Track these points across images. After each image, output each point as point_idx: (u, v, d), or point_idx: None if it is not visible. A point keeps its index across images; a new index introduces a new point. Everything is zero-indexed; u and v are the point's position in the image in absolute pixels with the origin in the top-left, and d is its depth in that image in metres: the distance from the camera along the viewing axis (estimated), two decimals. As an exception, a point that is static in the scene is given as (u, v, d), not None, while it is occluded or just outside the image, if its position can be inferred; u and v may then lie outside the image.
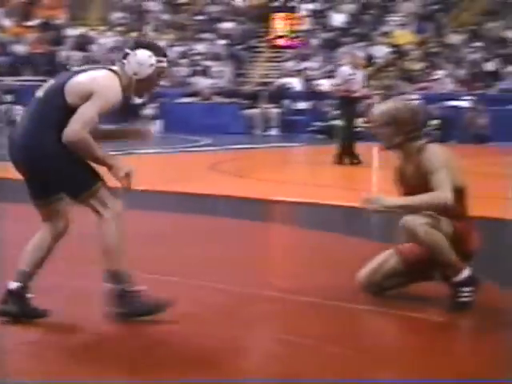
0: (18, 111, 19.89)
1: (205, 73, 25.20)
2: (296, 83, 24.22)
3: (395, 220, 4.84)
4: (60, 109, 4.22)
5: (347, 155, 13.68)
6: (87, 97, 4.19)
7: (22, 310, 4.33)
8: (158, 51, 4.43)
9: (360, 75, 13.87)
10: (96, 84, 4.23)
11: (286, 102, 23.43)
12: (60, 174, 4.26)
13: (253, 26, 28.11)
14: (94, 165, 4.32)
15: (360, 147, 13.84)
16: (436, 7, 26.61)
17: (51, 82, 4.40)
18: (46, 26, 27.22)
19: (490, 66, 22.64)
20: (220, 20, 28.59)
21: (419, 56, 24.21)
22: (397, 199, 4.78)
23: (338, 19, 27.36)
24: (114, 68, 4.38)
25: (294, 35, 27.20)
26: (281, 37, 27.27)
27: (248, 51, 27.14)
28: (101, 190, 4.27)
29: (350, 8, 27.85)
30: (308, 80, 24.17)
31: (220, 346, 4.07)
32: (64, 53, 25.60)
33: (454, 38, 24.66)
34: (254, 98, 23.21)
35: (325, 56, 25.37)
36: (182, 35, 27.54)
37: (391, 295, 4.94)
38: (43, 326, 4.30)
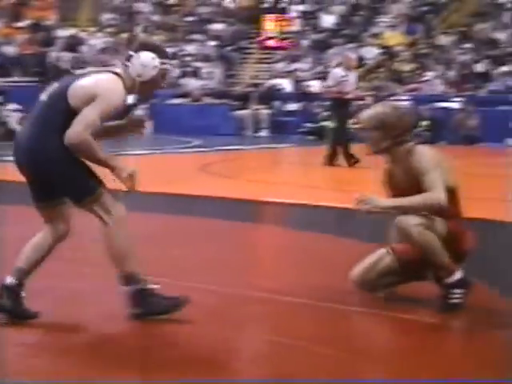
0: (8, 112, 19.86)
1: (195, 74, 25.19)
2: (286, 84, 24.24)
3: (386, 221, 4.86)
4: (64, 112, 4.22)
5: (344, 157, 13.65)
6: (91, 100, 4.20)
7: (14, 307, 4.32)
8: (161, 53, 4.44)
9: (353, 77, 13.89)
10: (99, 87, 4.23)
11: (277, 103, 23.44)
12: (63, 178, 4.27)
13: (243, 27, 28.12)
14: (96, 170, 4.33)
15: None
16: (426, 9, 26.66)
17: (55, 85, 4.40)
18: (36, 27, 27.15)
19: (479, 68, 22.69)
20: (210, 21, 28.60)
21: (409, 57, 24.25)
22: (391, 200, 4.78)
23: (328, 20, 27.40)
24: (118, 71, 4.38)
25: (284, 36, 27.22)
26: (271, 38, 27.28)
27: (238, 52, 27.15)
28: (104, 195, 4.29)
29: (340, 9, 27.89)
30: (298, 81, 24.18)
31: (212, 347, 4.07)
32: (54, 54, 25.54)
33: (444, 40, 24.72)
34: (244, 99, 23.21)
35: (315, 57, 25.39)
36: (173, 36, 27.52)
37: (383, 296, 4.95)
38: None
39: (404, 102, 20.77)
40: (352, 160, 13.54)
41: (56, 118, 4.23)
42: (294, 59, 25.73)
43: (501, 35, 24.03)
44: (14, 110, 19.57)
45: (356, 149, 13.39)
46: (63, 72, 24.03)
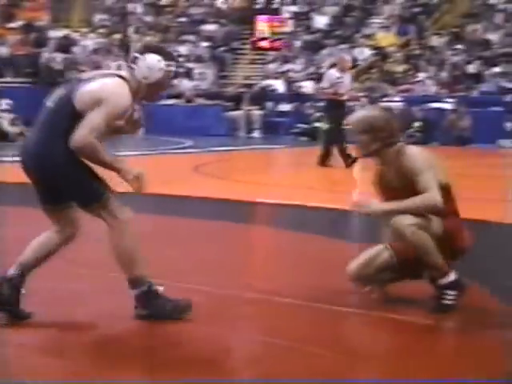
0: None
1: (188, 75, 25.17)
2: (279, 85, 24.25)
3: (379, 222, 4.87)
4: (70, 117, 4.24)
5: (342, 157, 13.65)
6: (97, 104, 4.22)
7: (12, 300, 4.33)
8: (166, 55, 4.48)
9: (347, 78, 13.92)
10: (105, 91, 4.25)
11: (269, 103, 23.46)
12: (70, 182, 4.30)
13: (235, 28, 28.12)
14: (102, 175, 4.36)
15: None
16: (418, 10, 26.70)
17: (61, 91, 4.42)
18: (28, 28, 27.10)
19: (471, 69, 22.73)
20: (203, 22, 28.60)
21: (401, 58, 24.28)
22: (388, 204, 4.76)
23: (320, 21, 27.43)
24: (123, 74, 4.41)
25: (276, 37, 27.22)
26: (263, 39, 27.28)
27: (231, 53, 27.15)
28: (110, 200, 4.31)
29: (333, 10, 27.93)
30: (291, 82, 24.20)
31: (203, 347, 4.08)
32: (46, 54, 25.50)
33: (436, 41, 24.76)
34: (236, 100, 23.21)
35: (307, 58, 25.41)
36: (165, 37, 27.51)
37: (375, 297, 4.96)
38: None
39: (396, 102, 20.83)
40: (349, 160, 13.56)
41: (63, 123, 4.26)
42: (287, 60, 25.76)
43: (493, 36, 24.08)
44: (6, 111, 19.54)
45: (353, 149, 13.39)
46: (56, 73, 24.05)
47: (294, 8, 28.53)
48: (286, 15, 28.17)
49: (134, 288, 4.41)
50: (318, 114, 20.36)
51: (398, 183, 4.75)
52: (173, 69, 4.48)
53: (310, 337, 4.28)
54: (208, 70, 25.46)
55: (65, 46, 26.31)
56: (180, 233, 7.60)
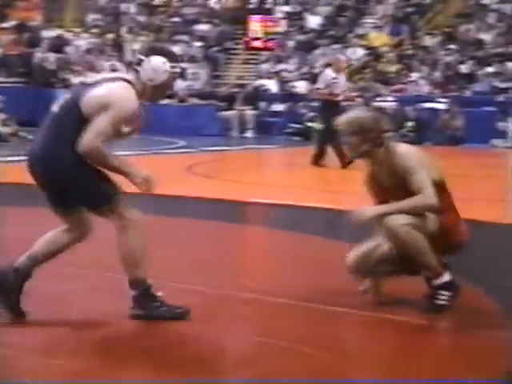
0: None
1: (181, 75, 25.00)
2: (272, 85, 24.25)
3: (373, 224, 4.86)
4: (77, 122, 4.26)
5: (338, 157, 13.63)
6: (103, 109, 4.23)
7: (15, 289, 4.35)
8: (171, 57, 4.50)
9: (342, 79, 13.94)
10: (112, 96, 4.27)
11: (262, 103, 23.45)
12: (79, 185, 4.31)
13: (228, 28, 28.11)
14: (111, 176, 4.37)
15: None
16: (411, 10, 26.73)
17: (66, 96, 4.43)
18: (21, 28, 27.05)
19: (464, 69, 22.77)
20: (196, 22, 28.57)
21: (394, 58, 24.31)
22: (382, 207, 4.76)
23: (313, 21, 27.44)
24: (128, 77, 4.41)
25: (269, 37, 27.23)
26: (256, 39, 27.29)
27: (224, 53, 27.14)
28: (120, 202, 4.32)
29: (326, 10, 27.93)
30: (284, 82, 24.21)
31: (198, 347, 4.09)
32: (40, 54, 25.47)
33: (429, 41, 24.80)
34: (230, 100, 23.20)
35: (300, 58, 25.42)
36: (158, 37, 27.48)
37: (369, 296, 4.97)
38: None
39: (389, 102, 20.86)
40: (346, 160, 13.56)
41: (69, 128, 4.27)
42: (280, 60, 25.76)
43: (486, 36, 24.12)
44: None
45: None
46: (49, 73, 24.03)
47: (286, 8, 28.52)
48: (279, 15, 28.17)
49: (134, 289, 4.42)
50: (311, 114, 20.38)
51: (390, 182, 4.75)
52: (178, 70, 4.51)
53: (305, 337, 4.29)
54: (201, 70, 25.44)
55: (58, 45, 26.29)
56: (173, 233, 7.59)
